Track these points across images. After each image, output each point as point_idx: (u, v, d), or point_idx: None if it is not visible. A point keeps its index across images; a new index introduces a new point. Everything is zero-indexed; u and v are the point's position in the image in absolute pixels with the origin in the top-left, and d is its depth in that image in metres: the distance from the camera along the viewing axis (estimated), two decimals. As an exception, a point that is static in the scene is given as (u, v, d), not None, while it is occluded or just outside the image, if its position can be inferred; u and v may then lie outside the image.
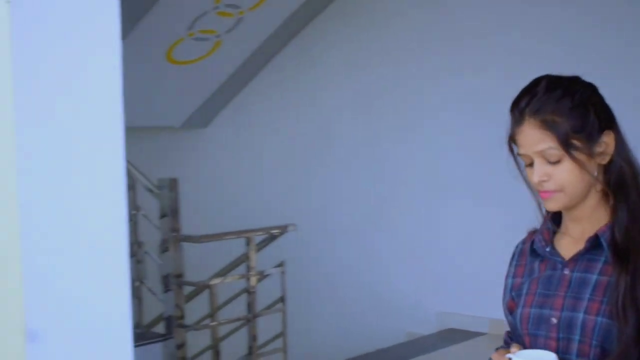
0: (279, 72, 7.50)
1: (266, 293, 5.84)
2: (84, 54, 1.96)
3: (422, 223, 6.56)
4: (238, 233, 5.64)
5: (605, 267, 1.68)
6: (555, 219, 1.83)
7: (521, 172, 1.77)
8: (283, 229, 5.78)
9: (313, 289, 7.20)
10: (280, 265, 5.76)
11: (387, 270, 6.76)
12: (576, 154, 1.66)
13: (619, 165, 1.71)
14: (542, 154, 1.68)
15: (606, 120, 1.71)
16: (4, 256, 1.86)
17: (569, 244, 1.77)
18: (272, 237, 5.82)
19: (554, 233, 1.82)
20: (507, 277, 1.89)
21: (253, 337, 5.65)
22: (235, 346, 5.94)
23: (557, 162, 1.67)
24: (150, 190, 5.32)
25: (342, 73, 7.13)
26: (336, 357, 6.42)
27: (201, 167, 7.99)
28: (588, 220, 1.74)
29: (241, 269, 5.82)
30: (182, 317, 5.29)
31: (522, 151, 1.72)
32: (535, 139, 1.68)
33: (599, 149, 1.69)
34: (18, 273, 1.83)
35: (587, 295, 1.68)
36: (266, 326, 5.85)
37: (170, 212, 5.19)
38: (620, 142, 1.73)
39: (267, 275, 5.74)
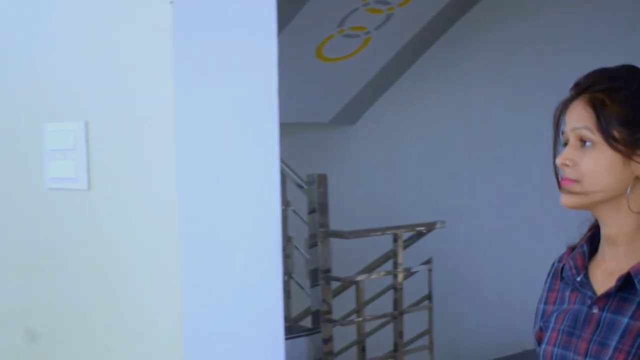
0: (427, 69, 7.46)
1: (412, 290, 5.82)
2: (243, 52, 2.01)
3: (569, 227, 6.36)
4: (385, 229, 5.64)
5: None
6: (593, 240, 1.59)
7: (554, 155, 1.54)
8: (430, 226, 5.74)
9: (459, 287, 7.12)
10: (428, 262, 5.72)
11: (534, 272, 6.60)
12: (612, 144, 1.43)
13: None
14: (578, 134, 1.47)
15: None
16: (165, 249, 1.94)
17: (604, 275, 1.53)
18: (419, 235, 5.79)
19: (591, 257, 1.57)
20: (539, 301, 1.67)
21: (399, 334, 5.64)
22: (380, 342, 5.95)
23: (588, 148, 1.46)
24: (300, 186, 5.40)
25: (492, 70, 7.01)
26: (482, 357, 6.33)
27: (349, 164, 8.04)
28: (627, 249, 1.49)
29: (387, 265, 5.82)
30: (329, 312, 5.35)
31: (563, 128, 1.52)
32: (578, 115, 1.48)
33: (638, 157, 1.44)
34: (177, 264, 1.90)
35: (614, 343, 1.44)
36: (412, 323, 5.83)
37: (319, 208, 5.25)
38: None
39: (414, 272, 5.72)
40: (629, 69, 1.50)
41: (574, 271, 1.56)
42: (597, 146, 1.45)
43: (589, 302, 1.51)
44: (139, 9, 1.97)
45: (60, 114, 2.29)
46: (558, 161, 1.50)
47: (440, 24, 7.06)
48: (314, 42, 6.65)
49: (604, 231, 1.52)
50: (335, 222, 5.70)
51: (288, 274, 5.57)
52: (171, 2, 1.84)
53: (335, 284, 5.65)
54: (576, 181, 1.47)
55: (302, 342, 5.38)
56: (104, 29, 2.10)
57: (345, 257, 6.38)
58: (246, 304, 2.01)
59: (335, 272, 5.47)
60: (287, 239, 5.51)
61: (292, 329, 5.40)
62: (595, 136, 1.45)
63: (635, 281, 1.44)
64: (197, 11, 1.91)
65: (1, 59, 2.54)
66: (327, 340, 5.33)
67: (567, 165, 1.48)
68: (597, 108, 1.45)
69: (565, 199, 1.51)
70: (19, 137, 2.47)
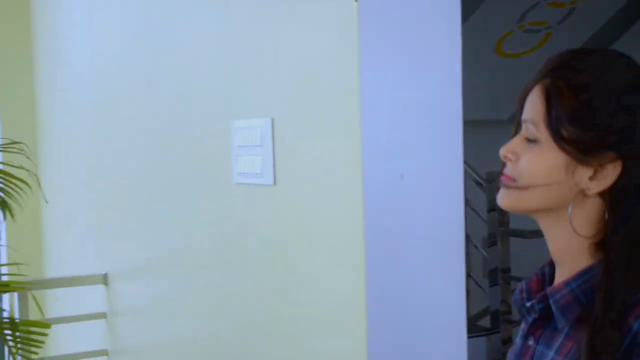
0: (612, 63, 7.15)
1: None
2: (427, 48, 2.00)
3: None
4: (567, 229, 5.45)
5: (566, 342, 1.18)
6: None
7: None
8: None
9: None
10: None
11: None
12: (560, 144, 1.15)
13: (621, 224, 1.14)
14: (526, 125, 1.21)
15: (626, 138, 1.12)
16: (349, 245, 1.95)
17: None
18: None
19: (552, 279, 1.27)
20: None
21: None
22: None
23: (533, 143, 1.19)
24: (479, 184, 5.32)
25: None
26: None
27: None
28: (570, 268, 1.20)
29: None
30: (508, 312, 5.24)
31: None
32: (530, 104, 1.22)
33: (588, 170, 1.14)
34: (361, 260, 1.91)
35: None
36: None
37: (499, 206, 5.14)
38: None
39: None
40: (604, 54, 1.21)
41: (524, 295, 1.28)
42: (543, 143, 1.17)
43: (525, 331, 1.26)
44: (324, 9, 2.00)
45: (247, 111, 2.36)
46: (500, 151, 1.25)
47: (624, 18, 6.77)
48: (493, 37, 6.54)
49: (549, 247, 1.26)
50: (515, 221, 5.58)
51: (467, 272, 5.50)
52: (356, 0, 1.86)
53: (515, 284, 5.54)
54: (513, 179, 1.22)
55: (481, 341, 5.31)
56: (290, 29, 2.15)
57: (525, 257, 6.23)
58: (429, 300, 2.00)
59: (514, 272, 5.35)
60: (466, 237, 5.44)
61: (470, 328, 5.33)
62: (540, 132, 1.17)
63: (551, 302, 1.18)
64: (382, 9, 1.91)
65: (193, 60, 2.64)
66: (506, 341, 5.22)
67: (509, 159, 1.23)
68: (551, 98, 1.17)
69: (500, 198, 1.26)
70: (209, 133, 2.56)
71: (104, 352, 3.46)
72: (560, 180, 1.16)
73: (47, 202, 3.34)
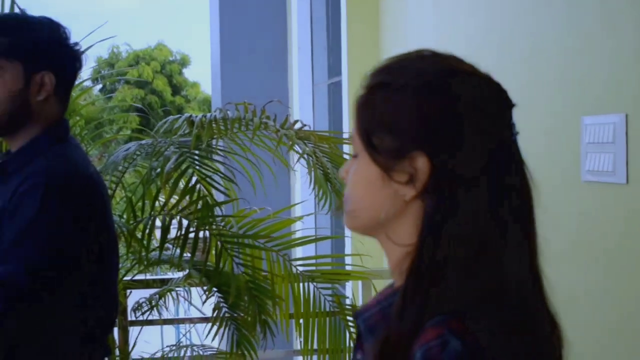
0: None
1: None
2: None
3: None
4: None
5: None
6: None
7: None
8: None
9: None
10: None
11: None
12: (371, 154, 1.08)
13: (434, 229, 1.03)
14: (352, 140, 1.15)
15: (428, 135, 1.04)
16: None
17: None
18: None
19: None
20: None
21: None
22: None
23: (355, 158, 1.12)
24: None
25: None
26: None
27: None
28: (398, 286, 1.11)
29: None
30: None
31: None
32: (351, 117, 1.15)
33: (403, 176, 1.06)
34: None
35: None
36: None
37: None
38: (456, 192, 1.03)
39: None
40: (418, 57, 1.13)
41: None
42: (361, 156, 1.11)
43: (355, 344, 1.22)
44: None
45: (598, 106, 2.25)
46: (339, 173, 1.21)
47: None
48: None
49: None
50: None
51: None
52: None
53: None
54: (344, 200, 1.15)
55: None
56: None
57: None
58: None
59: None
60: None
61: None
62: (356, 146, 1.11)
63: (359, 321, 1.14)
64: None
65: (540, 52, 2.57)
66: None
67: (344, 179, 1.15)
68: (359, 109, 1.11)
69: (344, 220, 1.16)
70: (556, 129, 2.47)
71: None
72: (380, 193, 1.08)
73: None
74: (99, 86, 20.92)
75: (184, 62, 28.14)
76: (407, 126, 1.06)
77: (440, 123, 1.05)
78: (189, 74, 29.08)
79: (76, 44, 2.03)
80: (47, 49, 1.98)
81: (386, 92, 1.09)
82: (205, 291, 3.03)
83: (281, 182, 3.36)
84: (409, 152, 1.05)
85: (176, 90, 27.37)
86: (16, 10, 2.94)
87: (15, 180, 1.90)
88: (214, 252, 2.91)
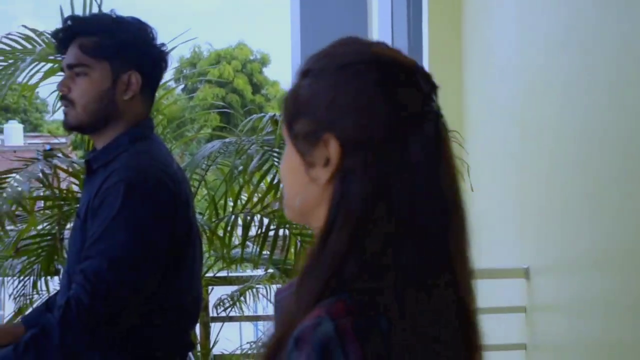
0: None
1: None
2: None
3: None
4: None
5: None
6: None
7: None
8: None
9: None
10: None
11: None
12: (292, 142, 1.11)
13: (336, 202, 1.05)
14: None
15: (334, 115, 1.06)
16: None
17: None
18: None
19: None
20: None
21: None
22: None
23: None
24: None
25: None
26: None
27: None
28: None
29: None
30: None
31: None
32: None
33: (321, 160, 1.07)
34: None
35: None
36: None
37: None
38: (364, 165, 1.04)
39: None
40: (341, 44, 1.13)
41: None
42: (287, 145, 1.13)
43: None
44: None
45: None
46: None
47: None
48: None
49: None
50: None
51: None
52: None
53: None
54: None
55: None
56: None
57: None
58: None
59: None
60: None
61: None
62: (284, 135, 1.13)
63: (274, 300, 1.19)
64: None
65: (629, 53, 2.51)
66: None
67: None
68: (286, 98, 1.13)
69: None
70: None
71: (522, 346, 3.44)
72: (303, 179, 1.09)
73: (472, 191, 3.40)
74: (181, 85, 21.24)
75: (264, 61, 28.37)
76: (319, 110, 1.07)
77: (350, 106, 1.05)
78: (269, 72, 29.25)
79: (163, 44, 2.07)
80: (135, 49, 2.02)
81: (307, 78, 1.11)
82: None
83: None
84: (322, 135, 1.06)
85: (256, 88, 27.62)
86: (104, 11, 3.02)
87: (99, 177, 1.95)
88: (292, 250, 2.93)
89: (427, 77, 1.09)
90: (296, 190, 1.11)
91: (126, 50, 2.00)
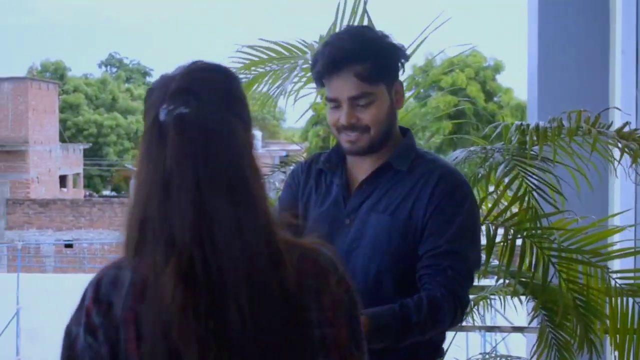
0: None
1: None
2: None
3: None
4: None
5: None
6: None
7: None
8: None
9: None
10: None
11: None
12: None
13: None
14: None
15: None
16: None
17: None
18: None
19: None
20: None
21: None
22: None
23: None
24: None
25: None
26: None
27: None
28: None
29: None
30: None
31: None
32: None
33: None
34: None
35: None
36: None
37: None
38: None
39: None
40: None
41: None
42: None
43: None
44: None
45: None
46: None
47: None
48: None
49: None
50: None
51: None
52: None
53: None
54: None
55: None
56: None
57: None
58: None
59: None
60: None
61: None
62: None
63: None
64: None
65: None
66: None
67: None
68: None
69: None
70: None
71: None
72: None
73: None
74: (412, 92, 21.26)
75: (497, 68, 27.96)
76: None
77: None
78: (502, 79, 28.74)
79: (405, 48, 2.13)
80: (391, 61, 2.09)
81: None
82: (524, 302, 2.98)
83: (597, 190, 3.17)
84: None
85: (489, 96, 27.26)
86: (365, 21, 3.13)
87: (409, 180, 2.07)
88: (535, 263, 2.79)
89: (169, 82, 1.39)
90: None
91: (390, 66, 2.07)
